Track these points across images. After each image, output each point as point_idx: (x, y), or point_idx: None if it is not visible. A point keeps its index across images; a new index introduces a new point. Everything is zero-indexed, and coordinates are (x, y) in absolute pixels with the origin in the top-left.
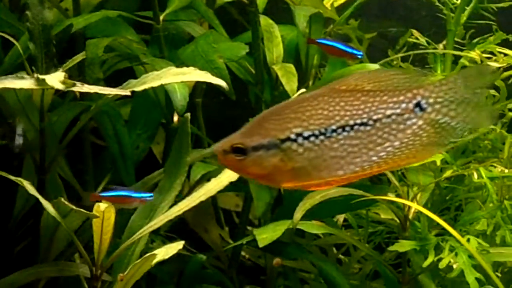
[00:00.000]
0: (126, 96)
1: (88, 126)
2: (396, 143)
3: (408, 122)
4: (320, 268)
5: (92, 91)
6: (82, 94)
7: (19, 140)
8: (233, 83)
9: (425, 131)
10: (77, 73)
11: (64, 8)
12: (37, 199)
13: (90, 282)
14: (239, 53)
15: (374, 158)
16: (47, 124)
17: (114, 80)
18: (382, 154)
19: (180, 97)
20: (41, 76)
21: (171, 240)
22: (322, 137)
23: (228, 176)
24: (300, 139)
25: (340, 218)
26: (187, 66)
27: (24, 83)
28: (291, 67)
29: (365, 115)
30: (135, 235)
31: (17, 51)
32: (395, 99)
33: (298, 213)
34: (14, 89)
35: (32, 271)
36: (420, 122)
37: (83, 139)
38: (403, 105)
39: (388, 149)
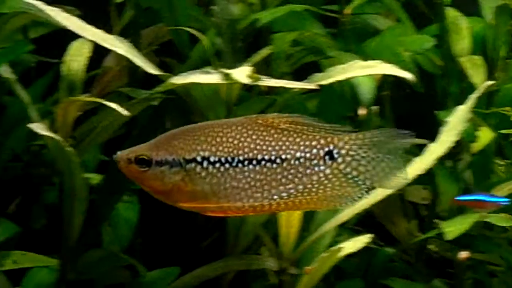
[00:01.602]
0: (312, 90)
1: None
2: (300, 187)
3: (316, 168)
4: (509, 261)
5: (278, 85)
6: (269, 88)
7: None
8: (420, 75)
9: (330, 181)
10: (264, 67)
11: (250, 3)
12: None
13: (277, 275)
14: (425, 46)
15: (275, 196)
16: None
17: (300, 74)
18: (283, 194)
19: (366, 90)
20: (227, 71)
21: (359, 233)
22: (227, 165)
23: (415, 169)
24: (205, 163)
25: None
26: (373, 59)
27: (210, 77)
28: (478, 59)
29: (274, 153)
30: (322, 228)
31: (204, 46)
32: (307, 143)
33: None
34: (200, 84)
35: (220, 264)
36: (328, 171)
37: None
38: (314, 151)
39: (291, 190)
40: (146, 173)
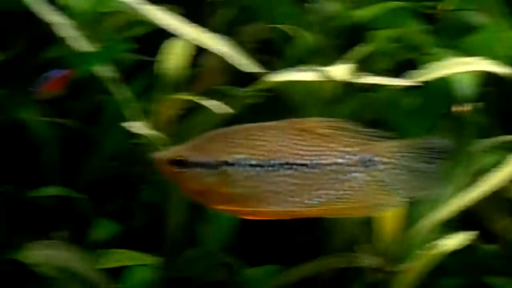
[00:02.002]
0: (411, 87)
1: (371, 117)
2: (332, 192)
3: (348, 175)
4: None
5: (376, 82)
6: (367, 85)
7: None
8: None
9: (365, 189)
10: (361, 65)
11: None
12: None
13: (374, 273)
14: None
15: (308, 201)
16: (332, 116)
17: (398, 71)
18: (316, 200)
19: (465, 87)
20: (325, 68)
21: (458, 230)
22: (261, 168)
23: None
24: (240, 166)
25: None
26: (471, 55)
27: (308, 75)
28: None
29: (308, 157)
30: (420, 226)
31: (303, 43)
32: (343, 149)
33: None
34: (298, 81)
35: (318, 262)
36: (363, 179)
37: None
38: (350, 157)
39: (323, 196)
40: (183, 174)
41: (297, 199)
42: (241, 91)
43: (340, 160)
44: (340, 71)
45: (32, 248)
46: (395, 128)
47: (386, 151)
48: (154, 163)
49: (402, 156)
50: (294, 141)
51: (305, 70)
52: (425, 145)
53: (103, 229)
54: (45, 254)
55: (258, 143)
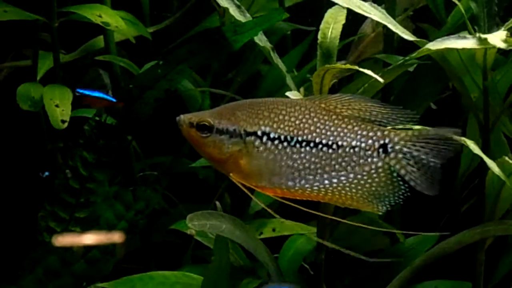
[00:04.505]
0: None
1: None
2: (351, 175)
3: (369, 160)
4: None
5: None
6: None
7: None
8: None
9: (378, 175)
10: None
11: None
12: (482, 159)
13: None
14: None
15: (326, 181)
16: (490, 83)
17: None
18: (334, 180)
19: None
20: (483, 36)
21: None
22: (285, 143)
23: None
24: (264, 138)
25: None
26: None
27: (466, 42)
28: None
29: (332, 138)
30: None
31: (459, 11)
32: (364, 132)
33: None
34: (456, 49)
35: (478, 230)
36: (379, 164)
37: None
38: (370, 141)
39: (342, 178)
40: (205, 139)
41: (317, 177)
42: (399, 59)
43: (361, 144)
44: (499, 38)
45: (194, 219)
46: None
47: (404, 139)
48: (179, 125)
49: (417, 146)
50: (320, 121)
51: (464, 38)
52: (438, 135)
53: (262, 199)
54: (207, 224)
55: (286, 118)
